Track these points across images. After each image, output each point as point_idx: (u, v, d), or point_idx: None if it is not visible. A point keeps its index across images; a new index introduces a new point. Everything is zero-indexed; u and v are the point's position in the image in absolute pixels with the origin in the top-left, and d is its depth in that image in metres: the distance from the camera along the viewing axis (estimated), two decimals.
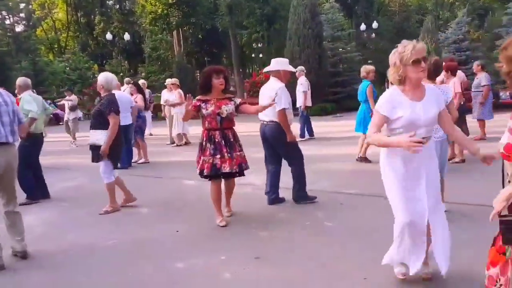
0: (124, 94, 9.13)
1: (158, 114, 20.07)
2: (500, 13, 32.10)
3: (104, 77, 5.70)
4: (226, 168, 4.74)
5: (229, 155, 4.76)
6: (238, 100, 5.01)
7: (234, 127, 4.98)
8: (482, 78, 10.03)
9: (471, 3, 34.78)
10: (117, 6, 48.15)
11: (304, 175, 5.62)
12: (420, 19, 40.73)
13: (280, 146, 5.52)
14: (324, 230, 4.65)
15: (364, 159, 8.04)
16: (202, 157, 4.82)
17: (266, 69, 5.74)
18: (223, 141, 4.78)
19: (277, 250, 4.15)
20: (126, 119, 8.32)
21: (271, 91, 5.32)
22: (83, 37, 47.39)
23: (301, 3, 20.68)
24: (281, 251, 4.11)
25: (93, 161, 5.59)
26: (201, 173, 4.86)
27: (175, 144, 11.90)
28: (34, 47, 38.92)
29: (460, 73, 7.84)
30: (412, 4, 44.53)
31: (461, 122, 7.29)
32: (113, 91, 5.86)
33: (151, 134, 13.79)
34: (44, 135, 6.90)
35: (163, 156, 10.28)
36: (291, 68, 5.65)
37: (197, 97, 4.93)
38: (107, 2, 49.56)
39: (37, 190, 6.46)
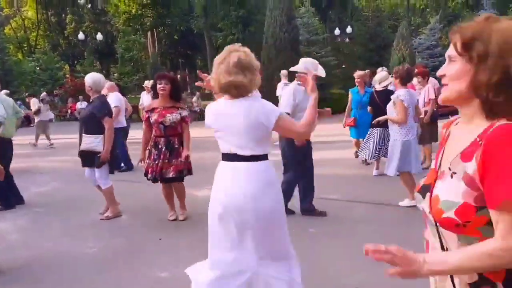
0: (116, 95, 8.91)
1: (132, 116, 19.72)
2: (469, 20, 33.02)
3: (91, 78, 5.43)
4: (167, 174, 5.04)
5: (167, 161, 5.02)
6: (184, 113, 5.15)
7: (180, 134, 5.12)
8: None
9: (442, 9, 35.65)
10: (89, 5, 47.28)
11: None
12: (392, 25, 41.50)
13: None
14: (308, 236, 4.63)
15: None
16: (147, 161, 5.13)
17: (293, 69, 5.23)
18: (164, 148, 5.02)
19: None
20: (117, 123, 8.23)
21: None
22: (53, 36, 46.34)
23: (277, 6, 20.71)
24: None
25: (87, 166, 5.38)
26: (145, 175, 5.18)
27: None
28: (2, 46, 37.75)
29: (432, 79, 8.05)
30: (385, 10, 45.31)
31: (433, 126, 7.46)
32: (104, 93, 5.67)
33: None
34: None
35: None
36: (320, 73, 5.04)
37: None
38: (79, 1, 48.65)
39: (10, 196, 6.19)
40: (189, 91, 46.92)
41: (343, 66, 30.02)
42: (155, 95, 5.27)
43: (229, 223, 2.62)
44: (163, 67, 31.03)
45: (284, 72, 11.85)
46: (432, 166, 1.39)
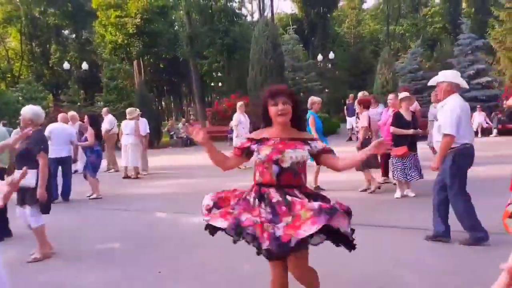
0: (65, 127, 8.95)
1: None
2: (448, 43, 33.98)
3: (32, 110, 5.17)
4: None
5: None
6: (319, 145, 3.06)
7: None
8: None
9: (422, 34, 36.58)
10: (74, 36, 47.50)
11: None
12: (373, 50, 42.42)
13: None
14: None
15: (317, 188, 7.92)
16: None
17: (432, 81, 5.08)
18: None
19: (264, 285, 4.08)
20: (62, 151, 8.39)
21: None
22: (37, 66, 46.27)
23: (262, 34, 21.08)
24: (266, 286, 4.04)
25: (21, 204, 5.01)
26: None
27: (124, 176, 11.40)
28: None
29: (415, 103, 8.45)
30: (366, 36, 46.34)
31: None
32: (56, 124, 5.49)
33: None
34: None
35: (127, 188, 10.04)
36: (460, 82, 4.91)
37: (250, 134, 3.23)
38: (63, 31, 48.82)
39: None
40: (173, 117, 47.09)
41: (326, 90, 30.49)
42: (267, 122, 3.10)
43: None
44: (151, 93, 31.07)
45: None
46: None
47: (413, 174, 7.23)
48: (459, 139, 4.67)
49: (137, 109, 12.07)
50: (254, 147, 3.01)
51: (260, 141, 3.02)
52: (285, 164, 2.89)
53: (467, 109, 4.88)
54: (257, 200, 2.89)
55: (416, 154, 7.46)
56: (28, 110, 5.20)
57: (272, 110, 2.97)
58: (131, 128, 11.24)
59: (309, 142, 3.03)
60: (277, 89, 3.02)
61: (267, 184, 2.92)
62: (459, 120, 4.63)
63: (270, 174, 2.90)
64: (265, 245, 2.64)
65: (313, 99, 8.51)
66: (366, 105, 8.13)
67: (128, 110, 11.83)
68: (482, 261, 4.23)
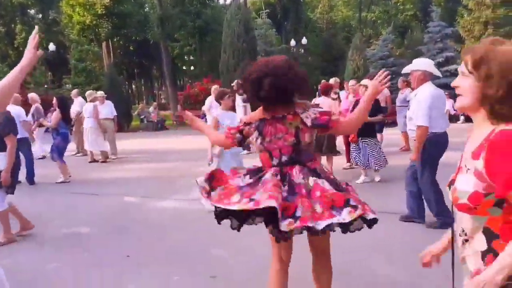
0: (10, 107, 8.65)
1: None
2: (418, 31, 34.45)
3: None
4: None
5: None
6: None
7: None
8: (407, 94, 10.67)
9: (393, 21, 36.93)
10: (40, 16, 45.99)
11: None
12: (346, 36, 42.65)
13: None
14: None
15: None
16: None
17: (406, 69, 5.13)
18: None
19: (233, 268, 4.09)
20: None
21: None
22: (2, 47, 44.68)
23: (234, 17, 20.89)
24: (238, 269, 4.05)
25: None
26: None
27: (90, 160, 11.19)
28: None
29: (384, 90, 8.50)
30: (339, 22, 46.49)
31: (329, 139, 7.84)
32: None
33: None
34: None
35: (96, 172, 9.86)
36: (433, 70, 5.01)
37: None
38: (29, 11, 47.19)
39: None
40: (144, 101, 46.42)
41: None
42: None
43: None
44: (121, 76, 30.49)
45: (238, 81, 12.00)
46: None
47: (371, 160, 7.25)
48: (430, 129, 4.75)
49: (98, 92, 11.87)
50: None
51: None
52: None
53: (439, 96, 4.96)
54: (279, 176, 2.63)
55: (375, 141, 7.42)
56: None
57: None
58: (90, 111, 10.98)
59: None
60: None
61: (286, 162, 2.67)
62: (430, 110, 4.72)
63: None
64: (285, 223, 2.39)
65: None
66: (326, 91, 8.14)
67: (87, 92, 11.57)
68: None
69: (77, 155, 12.50)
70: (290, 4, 41.85)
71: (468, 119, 17.63)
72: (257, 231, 4.57)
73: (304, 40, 33.04)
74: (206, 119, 12.31)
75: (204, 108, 12.24)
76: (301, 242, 2.82)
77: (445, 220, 4.79)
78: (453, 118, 18.08)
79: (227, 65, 20.49)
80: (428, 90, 4.84)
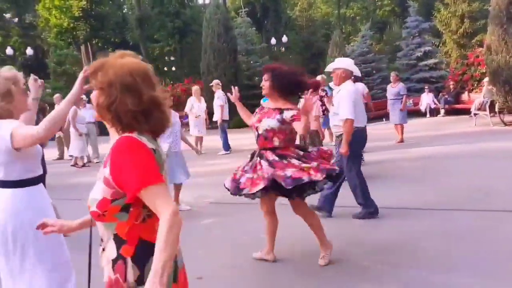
0: None
1: None
2: (396, 26, 34.80)
3: None
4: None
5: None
6: (289, 114, 3.77)
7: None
8: (401, 88, 11.00)
9: (371, 17, 37.24)
10: (16, 19, 45.19)
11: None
12: (325, 33, 42.85)
13: None
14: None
15: None
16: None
17: (329, 67, 5.46)
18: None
19: (218, 268, 4.10)
20: None
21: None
22: None
23: (213, 17, 20.84)
24: (222, 270, 4.06)
25: None
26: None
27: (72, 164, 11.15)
28: None
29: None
30: (318, 19, 46.68)
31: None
32: None
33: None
34: None
35: (78, 177, 9.75)
36: (354, 69, 5.32)
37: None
38: (4, 15, 46.36)
39: None
40: None
41: None
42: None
43: None
44: None
45: (216, 81, 12.07)
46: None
47: None
48: (354, 123, 5.06)
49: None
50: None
51: (260, 109, 4.01)
52: (260, 131, 3.80)
53: (359, 94, 5.45)
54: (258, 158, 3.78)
55: None
56: None
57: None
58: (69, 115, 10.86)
59: (284, 111, 3.75)
60: (264, 68, 4.11)
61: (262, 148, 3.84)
62: (354, 105, 5.04)
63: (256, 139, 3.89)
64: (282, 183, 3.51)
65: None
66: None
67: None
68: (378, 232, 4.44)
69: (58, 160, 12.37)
70: (269, 2, 41.86)
71: (448, 113, 17.94)
72: (252, 231, 4.60)
73: (284, 38, 33.11)
74: (188, 120, 12.30)
75: (186, 109, 12.22)
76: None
77: (370, 210, 5.14)
78: (434, 112, 18.35)
79: (208, 65, 20.45)
80: (350, 86, 5.20)
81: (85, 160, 11.38)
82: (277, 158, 3.65)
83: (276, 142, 3.76)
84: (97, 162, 11.42)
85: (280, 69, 3.95)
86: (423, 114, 17.96)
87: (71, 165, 11.03)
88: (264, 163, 3.67)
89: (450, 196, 5.88)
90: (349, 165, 5.15)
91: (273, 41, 32.61)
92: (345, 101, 5.05)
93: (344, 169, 5.15)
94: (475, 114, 14.14)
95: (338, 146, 5.27)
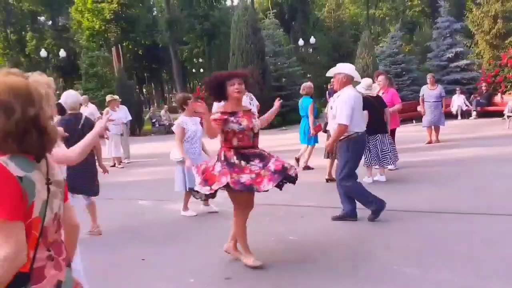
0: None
1: None
2: (427, 27, 34.23)
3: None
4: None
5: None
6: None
7: None
8: (442, 90, 10.93)
9: (401, 18, 36.73)
10: (50, 22, 46.50)
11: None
12: (354, 34, 42.49)
13: None
14: (291, 245, 4.69)
15: (307, 167, 8.80)
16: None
17: (330, 72, 5.51)
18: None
19: (248, 269, 4.12)
20: None
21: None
22: (13, 54, 45.24)
23: (242, 19, 20.91)
24: (252, 270, 4.08)
25: None
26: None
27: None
28: None
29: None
30: (346, 20, 46.34)
31: None
32: None
33: None
34: None
35: (110, 177, 9.92)
36: (355, 75, 5.32)
37: (219, 109, 4.13)
38: (39, 18, 47.75)
39: None
40: (155, 105, 46.66)
41: (309, 76, 30.51)
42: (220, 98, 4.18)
43: None
44: (131, 80, 30.73)
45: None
46: None
47: (371, 160, 7.23)
48: (352, 128, 5.12)
49: (112, 96, 11.64)
50: (232, 119, 3.94)
51: (233, 114, 3.97)
52: (256, 130, 4.06)
53: (359, 99, 5.37)
54: (242, 161, 3.90)
55: (377, 138, 7.24)
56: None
57: (230, 88, 3.98)
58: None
59: (253, 113, 4.30)
60: (234, 72, 4.38)
61: (246, 146, 4.00)
62: (352, 111, 5.06)
63: (249, 139, 4.01)
64: (267, 186, 3.82)
65: (305, 84, 8.98)
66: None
67: (83, 97, 11.37)
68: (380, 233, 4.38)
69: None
70: (297, 3, 41.85)
71: (480, 115, 17.53)
72: (268, 233, 4.60)
73: (312, 39, 33.01)
74: None
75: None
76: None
77: (373, 207, 5.11)
78: (466, 114, 17.96)
79: (236, 67, 20.52)
80: (350, 92, 5.22)
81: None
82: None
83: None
84: (127, 163, 11.60)
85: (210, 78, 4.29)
86: (454, 116, 17.59)
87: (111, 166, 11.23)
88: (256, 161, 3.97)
89: (488, 200, 5.75)
90: (343, 169, 5.18)
91: (301, 42, 32.55)
92: (344, 106, 5.10)
93: (337, 173, 5.30)
94: (508, 117, 13.78)
95: (338, 149, 5.38)
